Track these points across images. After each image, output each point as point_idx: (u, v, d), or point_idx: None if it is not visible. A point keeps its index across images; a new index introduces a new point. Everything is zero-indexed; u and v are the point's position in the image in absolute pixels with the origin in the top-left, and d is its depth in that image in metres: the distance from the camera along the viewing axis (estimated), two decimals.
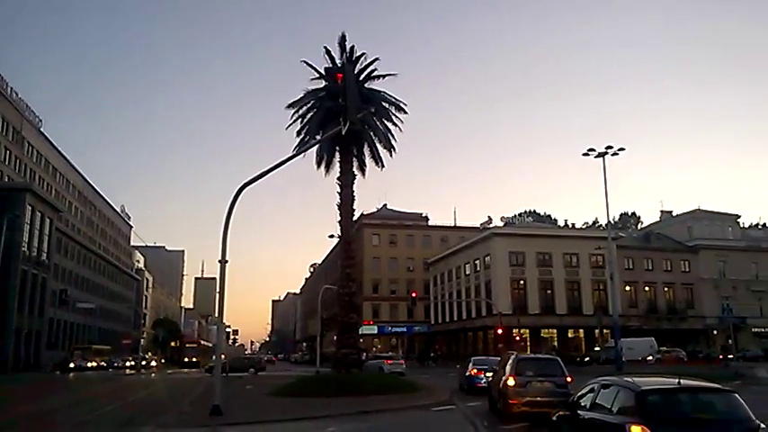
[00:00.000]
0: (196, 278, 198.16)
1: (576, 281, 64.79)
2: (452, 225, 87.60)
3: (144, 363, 67.21)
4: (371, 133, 28.97)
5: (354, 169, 28.94)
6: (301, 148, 25.82)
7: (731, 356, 48.60)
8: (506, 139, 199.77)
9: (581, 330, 64.14)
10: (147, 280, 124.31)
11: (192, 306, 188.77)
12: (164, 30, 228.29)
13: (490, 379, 20.49)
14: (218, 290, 18.70)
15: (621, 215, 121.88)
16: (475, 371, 24.59)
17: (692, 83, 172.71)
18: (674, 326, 66.37)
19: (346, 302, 28.06)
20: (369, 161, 29.48)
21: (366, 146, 29.21)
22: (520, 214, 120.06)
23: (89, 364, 57.87)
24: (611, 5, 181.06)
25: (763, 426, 7.44)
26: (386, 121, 29.30)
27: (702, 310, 68.14)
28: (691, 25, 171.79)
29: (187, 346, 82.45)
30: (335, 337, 30.84)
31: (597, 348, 56.80)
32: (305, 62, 28.02)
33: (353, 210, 28.92)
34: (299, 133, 28.66)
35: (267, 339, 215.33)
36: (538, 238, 67.26)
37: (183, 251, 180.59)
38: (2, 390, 31.40)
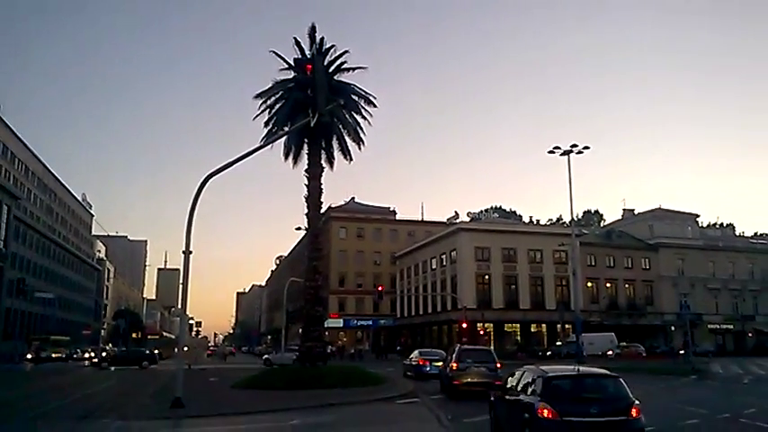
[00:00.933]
0: (159, 269, 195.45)
1: (539, 276, 65.69)
2: (420, 219, 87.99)
3: (104, 354, 65.87)
4: (340, 126, 28.81)
5: (323, 162, 28.74)
6: (269, 139, 25.56)
7: (682, 351, 50.17)
8: (474, 136, 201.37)
9: (544, 325, 65.09)
10: (109, 270, 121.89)
11: (154, 297, 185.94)
12: (128, 16, 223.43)
13: (441, 366, 24.73)
14: (181, 281, 18.46)
15: (585, 213, 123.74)
16: (422, 360, 30.17)
17: (654, 84, 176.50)
18: (634, 322, 67.88)
19: (312, 295, 27.92)
20: (337, 154, 29.32)
21: (335, 138, 29.03)
22: (486, 210, 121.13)
23: (48, 355, 56.45)
24: (575, 6, 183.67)
25: (637, 402, 9.91)
26: (355, 114, 29.14)
27: (661, 306, 69.84)
28: (652, 27, 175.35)
29: (149, 337, 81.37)
30: (301, 330, 30.68)
31: (559, 343, 57.76)
32: (274, 52, 27.68)
33: (321, 202, 28.75)
34: (266, 124, 28.34)
35: (231, 332, 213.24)
36: (503, 233, 67.92)
37: (145, 241, 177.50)
38: None
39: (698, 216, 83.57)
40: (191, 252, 17.09)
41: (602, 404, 9.87)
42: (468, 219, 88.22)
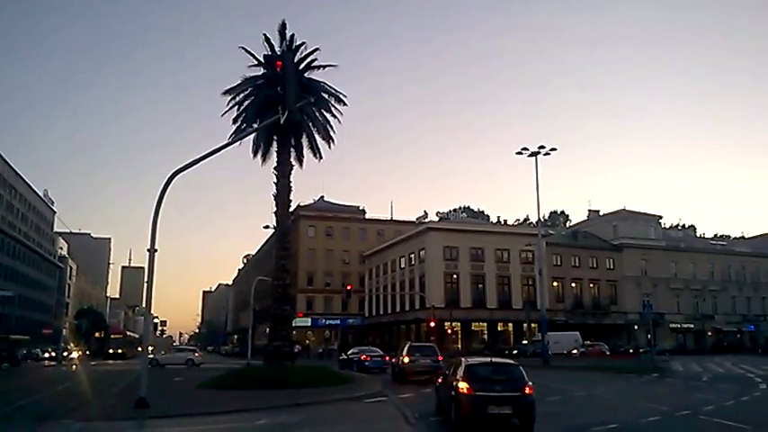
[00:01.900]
0: (123, 267, 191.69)
1: (506, 276, 66.29)
2: (389, 219, 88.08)
3: (65, 354, 64.44)
4: (310, 124, 28.61)
5: (292, 160, 28.53)
6: (237, 136, 25.27)
7: (641, 350, 52.85)
8: (443, 136, 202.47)
9: (510, 324, 65.71)
10: (71, 268, 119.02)
11: (118, 296, 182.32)
12: (94, 9, 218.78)
13: (394, 360, 29.60)
14: (146, 279, 18.12)
15: (551, 213, 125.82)
16: (364, 356, 35.68)
17: (621, 87, 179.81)
18: (599, 321, 69.07)
19: (280, 294, 27.69)
20: (307, 152, 29.10)
21: (304, 136, 28.82)
22: (455, 210, 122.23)
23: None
24: (543, 7, 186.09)
25: (529, 383, 13.11)
26: (325, 112, 28.98)
27: (625, 306, 71.19)
28: (618, 29, 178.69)
29: (112, 337, 79.70)
30: (268, 330, 30.42)
31: (525, 342, 58.38)
32: (243, 48, 27.39)
33: (290, 201, 28.52)
34: (235, 121, 27.98)
35: (197, 331, 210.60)
36: (471, 233, 68.44)
37: (109, 239, 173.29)
38: None
39: (661, 217, 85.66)
40: (156, 250, 16.79)
41: (504, 384, 13.24)
42: (437, 218, 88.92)
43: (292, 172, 28.26)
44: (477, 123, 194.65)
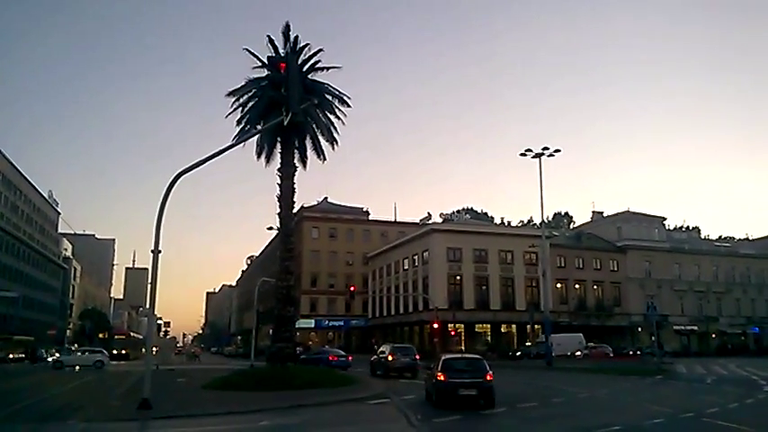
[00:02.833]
0: (127, 268, 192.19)
1: (510, 277, 66.23)
2: (392, 220, 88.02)
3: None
4: (314, 125, 28.64)
5: (295, 161, 28.54)
6: (241, 137, 25.31)
7: (639, 352, 53.91)
8: (446, 137, 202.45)
9: (514, 326, 65.68)
10: (75, 269, 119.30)
11: (122, 297, 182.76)
12: (98, 12, 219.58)
13: (374, 358, 34.89)
14: (149, 280, 18.15)
15: (555, 215, 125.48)
16: (331, 356, 39.33)
17: (623, 88, 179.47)
18: (602, 322, 68.90)
19: (284, 295, 27.70)
20: (310, 153, 29.14)
21: (308, 138, 28.85)
22: (458, 211, 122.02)
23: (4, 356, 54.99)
24: (547, 8, 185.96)
25: (490, 372, 17.58)
26: (329, 114, 28.99)
27: (629, 307, 71.04)
28: (624, 28, 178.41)
29: (116, 338, 79.94)
30: (271, 331, 30.42)
31: (528, 343, 58.32)
32: (247, 50, 27.40)
33: (293, 202, 28.53)
34: (239, 122, 28.05)
35: (201, 332, 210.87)
36: (475, 234, 68.39)
37: (113, 240, 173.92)
38: None
39: (665, 219, 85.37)
40: (160, 251, 16.82)
41: (470, 373, 17.82)
42: (440, 220, 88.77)
43: (296, 173, 28.31)
44: (481, 125, 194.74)
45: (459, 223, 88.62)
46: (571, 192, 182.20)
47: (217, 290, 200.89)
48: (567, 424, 15.31)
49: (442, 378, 17.62)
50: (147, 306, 23.81)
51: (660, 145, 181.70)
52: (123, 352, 69.78)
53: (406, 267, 71.25)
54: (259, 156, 29.19)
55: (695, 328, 74.28)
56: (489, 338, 64.75)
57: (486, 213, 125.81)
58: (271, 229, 44.39)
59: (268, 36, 27.38)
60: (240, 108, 28.24)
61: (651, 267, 74.59)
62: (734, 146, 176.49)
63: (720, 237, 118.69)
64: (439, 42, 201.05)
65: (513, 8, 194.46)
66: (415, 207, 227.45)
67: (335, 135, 28.95)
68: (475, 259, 65.34)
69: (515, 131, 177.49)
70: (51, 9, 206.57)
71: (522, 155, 44.98)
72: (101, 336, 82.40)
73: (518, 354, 55.68)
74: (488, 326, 65.45)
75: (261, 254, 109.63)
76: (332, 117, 29.02)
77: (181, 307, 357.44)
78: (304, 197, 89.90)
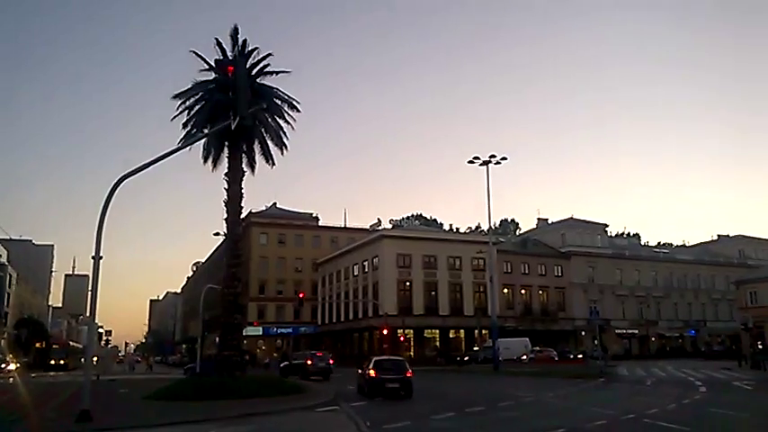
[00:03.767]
0: (66, 275, 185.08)
1: (458, 283, 66.87)
2: (342, 226, 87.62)
3: (2, 366, 61.60)
4: (263, 130, 28.42)
5: (243, 166, 28.23)
6: (187, 141, 24.79)
7: (580, 356, 55.94)
8: (397, 143, 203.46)
9: (462, 331, 66.30)
10: (11, 276, 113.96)
11: (61, 305, 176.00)
12: (36, 9, 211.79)
13: (284, 363, 41.68)
14: (90, 288, 17.53)
15: (502, 221, 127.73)
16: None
17: (568, 98, 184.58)
18: (547, 327, 70.33)
19: (230, 303, 27.27)
20: (259, 158, 28.90)
21: (257, 142, 28.60)
22: (408, 217, 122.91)
23: None
24: (492, 17, 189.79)
25: (410, 369, 23.60)
26: (278, 119, 28.81)
27: (573, 312, 72.77)
28: (564, 40, 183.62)
29: (54, 347, 76.76)
30: (218, 339, 29.88)
31: (476, 348, 59.01)
32: (194, 52, 26.99)
33: (241, 207, 28.17)
34: (185, 125, 27.51)
35: (144, 340, 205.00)
36: (424, 241, 68.86)
37: (52, 246, 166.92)
38: None
39: (607, 226, 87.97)
40: (101, 257, 16.24)
41: (394, 371, 23.24)
42: (390, 226, 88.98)
43: (244, 178, 28.02)
44: (430, 132, 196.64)
45: (409, 229, 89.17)
46: (517, 199, 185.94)
47: (161, 297, 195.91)
48: (514, 427, 15.56)
49: (373, 374, 22.86)
50: (88, 314, 23.01)
51: (602, 153, 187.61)
52: (62, 362, 67.16)
53: (355, 273, 71.12)
54: (206, 160, 28.74)
55: (636, 331, 76.67)
56: (438, 344, 65.19)
57: (435, 220, 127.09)
58: (217, 234, 43.55)
59: (216, 39, 27.07)
60: (187, 111, 27.75)
61: (594, 273, 76.65)
62: (673, 155, 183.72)
63: (659, 243, 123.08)
64: (390, 50, 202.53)
65: (463, 17, 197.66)
66: (365, 213, 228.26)
67: (285, 140, 28.82)
68: (424, 265, 65.75)
69: (464, 139, 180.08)
70: None
71: (470, 162, 45.70)
72: (38, 345, 78.88)
73: (466, 358, 56.31)
74: (437, 331, 65.89)
75: (207, 260, 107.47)
76: (281, 122, 28.87)
77: (123, 315, 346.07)
78: (252, 202, 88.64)
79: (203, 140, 27.61)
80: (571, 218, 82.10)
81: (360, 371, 25.40)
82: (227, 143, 28.07)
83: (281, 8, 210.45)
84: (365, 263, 69.14)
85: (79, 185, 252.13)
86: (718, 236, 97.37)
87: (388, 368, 23.39)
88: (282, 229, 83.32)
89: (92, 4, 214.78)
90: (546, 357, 55.20)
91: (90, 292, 17.29)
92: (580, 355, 58.07)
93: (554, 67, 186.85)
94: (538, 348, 58.04)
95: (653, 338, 77.58)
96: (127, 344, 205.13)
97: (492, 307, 49.96)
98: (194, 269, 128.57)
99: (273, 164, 28.94)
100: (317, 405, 20.12)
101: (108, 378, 37.91)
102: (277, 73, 28.56)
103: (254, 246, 78.67)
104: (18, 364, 65.80)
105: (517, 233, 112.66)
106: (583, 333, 69.55)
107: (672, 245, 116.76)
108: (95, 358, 74.60)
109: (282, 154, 28.92)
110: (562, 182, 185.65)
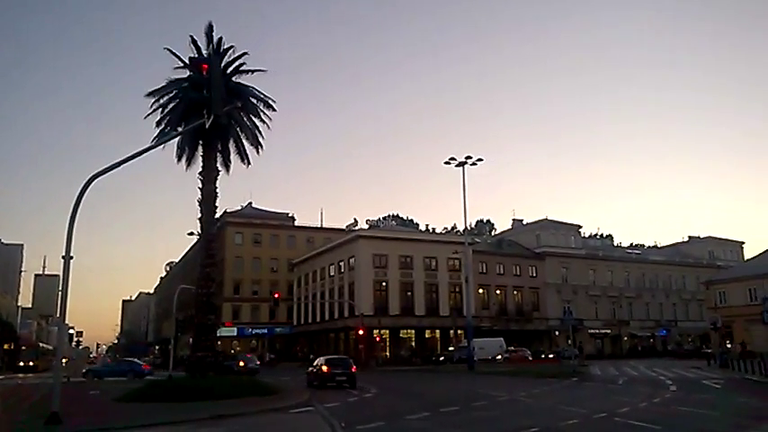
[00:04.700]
0: (36, 275, 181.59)
1: (434, 283, 67.03)
2: (318, 226, 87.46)
3: None
4: (238, 128, 28.22)
5: (218, 165, 28.00)
6: (161, 139, 24.57)
7: (553, 356, 57.09)
8: (373, 144, 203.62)
9: (437, 331, 66.58)
10: None
11: (30, 306, 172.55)
12: (4, 5, 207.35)
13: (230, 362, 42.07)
14: (60, 288, 17.22)
15: (477, 222, 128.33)
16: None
17: (542, 100, 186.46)
18: (522, 327, 71.01)
19: (204, 303, 27.00)
20: (234, 157, 28.72)
21: (232, 141, 28.41)
22: (384, 218, 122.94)
23: None
24: (470, 20, 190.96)
25: (354, 365, 29.34)
26: (253, 118, 28.62)
27: (546, 312, 73.53)
28: (542, 41, 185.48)
29: (23, 348, 75.28)
30: (191, 340, 29.56)
31: (451, 348, 59.30)
32: (168, 49, 26.67)
33: (216, 207, 27.92)
34: (158, 124, 27.24)
35: (116, 342, 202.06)
36: (400, 241, 68.91)
37: (21, 245, 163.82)
38: None
39: (580, 227, 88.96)
40: (72, 257, 15.95)
41: (342, 367, 28.67)
42: (366, 226, 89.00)
43: (218, 177, 27.79)
44: (407, 132, 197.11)
45: (385, 230, 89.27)
46: (493, 200, 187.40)
47: (134, 297, 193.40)
48: (488, 427, 15.63)
49: (326, 369, 28.27)
50: (58, 315, 22.60)
51: (577, 155, 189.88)
52: (31, 363, 65.86)
53: (331, 274, 70.92)
54: (180, 159, 28.46)
55: (608, 331, 77.75)
56: (414, 344, 65.34)
57: (411, 220, 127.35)
58: (192, 234, 43.07)
59: (191, 36, 26.85)
60: (160, 109, 27.45)
61: (568, 273, 77.53)
62: (645, 157, 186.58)
63: (632, 244, 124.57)
64: (365, 50, 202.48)
65: (438, 19, 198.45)
66: (341, 213, 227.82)
67: (261, 139, 28.65)
68: (400, 266, 65.80)
69: (441, 140, 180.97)
70: None
71: (446, 163, 45.96)
72: (6, 347, 77.24)
73: (441, 358, 56.56)
74: (413, 331, 66.00)
75: (181, 260, 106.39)
76: (256, 121, 28.69)
77: (95, 316, 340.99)
78: (227, 202, 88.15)
79: (177, 139, 27.35)
80: (545, 219, 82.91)
81: (310, 368, 31.12)
82: (201, 142, 27.82)
83: (257, 8, 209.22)
84: (341, 263, 68.98)
85: (49, 183, 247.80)
86: (689, 237, 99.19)
87: (338, 364, 29.18)
88: (258, 229, 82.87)
89: (63, 0, 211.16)
90: (520, 357, 55.69)
91: (60, 293, 16.98)
92: (552, 355, 58.78)
93: (529, 70, 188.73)
94: (512, 348, 58.55)
95: (625, 338, 78.71)
96: (98, 345, 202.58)
97: (467, 307, 50.21)
98: (168, 269, 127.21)
99: (249, 163, 28.81)
100: (292, 406, 20.01)
101: (79, 380, 37.27)
102: (253, 71, 28.40)
103: (229, 246, 78.13)
104: None
105: (492, 234, 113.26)
106: (557, 333, 70.31)
107: (644, 246, 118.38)
108: (66, 360, 73.39)
109: (258, 153, 28.82)
110: (537, 183, 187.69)
